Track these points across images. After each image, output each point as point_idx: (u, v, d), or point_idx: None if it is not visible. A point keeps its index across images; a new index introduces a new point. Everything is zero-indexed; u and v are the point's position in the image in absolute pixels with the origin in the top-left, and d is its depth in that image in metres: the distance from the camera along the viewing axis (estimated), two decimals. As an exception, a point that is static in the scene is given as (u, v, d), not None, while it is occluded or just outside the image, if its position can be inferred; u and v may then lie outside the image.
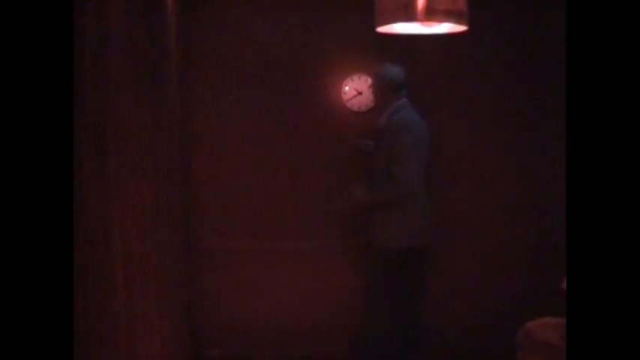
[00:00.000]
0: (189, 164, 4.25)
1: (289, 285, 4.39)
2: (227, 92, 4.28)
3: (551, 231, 4.33)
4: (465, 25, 2.48)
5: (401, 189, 3.80)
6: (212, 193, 4.32)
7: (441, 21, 2.46)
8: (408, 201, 3.86)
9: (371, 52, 4.24)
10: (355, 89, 4.32)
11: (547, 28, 4.31)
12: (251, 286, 4.37)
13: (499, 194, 4.46)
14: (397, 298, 3.96)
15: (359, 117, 4.34)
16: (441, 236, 4.25)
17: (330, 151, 4.35)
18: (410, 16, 2.41)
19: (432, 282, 4.23)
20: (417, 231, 3.94)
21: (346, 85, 4.32)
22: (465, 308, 4.45)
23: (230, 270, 4.35)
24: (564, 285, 3.07)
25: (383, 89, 3.93)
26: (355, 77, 4.33)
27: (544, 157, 4.42)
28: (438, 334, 4.26)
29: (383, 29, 2.60)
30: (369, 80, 4.27)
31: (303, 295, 4.39)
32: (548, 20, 4.30)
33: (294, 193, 4.35)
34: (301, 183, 4.35)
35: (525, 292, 4.36)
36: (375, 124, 4.03)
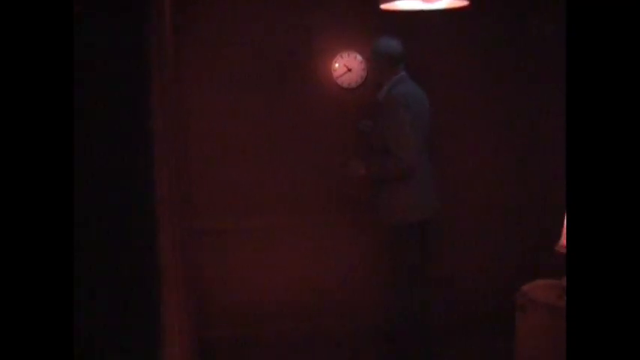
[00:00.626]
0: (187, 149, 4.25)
1: (290, 261, 4.38)
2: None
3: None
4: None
5: (401, 166, 3.76)
6: (209, 172, 4.30)
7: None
8: (410, 177, 3.81)
9: (360, 28, 4.24)
10: (345, 66, 4.30)
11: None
12: (252, 265, 4.35)
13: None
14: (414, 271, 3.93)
15: (349, 93, 4.33)
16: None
17: (327, 129, 4.33)
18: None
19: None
20: (422, 205, 3.90)
21: (336, 62, 4.31)
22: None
23: (230, 250, 4.34)
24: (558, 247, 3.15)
25: (381, 63, 3.87)
26: (345, 54, 4.30)
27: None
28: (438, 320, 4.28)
29: (385, 6, 2.61)
30: (359, 57, 4.28)
31: (305, 270, 4.38)
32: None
33: (292, 171, 4.34)
34: (299, 161, 4.34)
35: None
36: (375, 98, 3.98)
